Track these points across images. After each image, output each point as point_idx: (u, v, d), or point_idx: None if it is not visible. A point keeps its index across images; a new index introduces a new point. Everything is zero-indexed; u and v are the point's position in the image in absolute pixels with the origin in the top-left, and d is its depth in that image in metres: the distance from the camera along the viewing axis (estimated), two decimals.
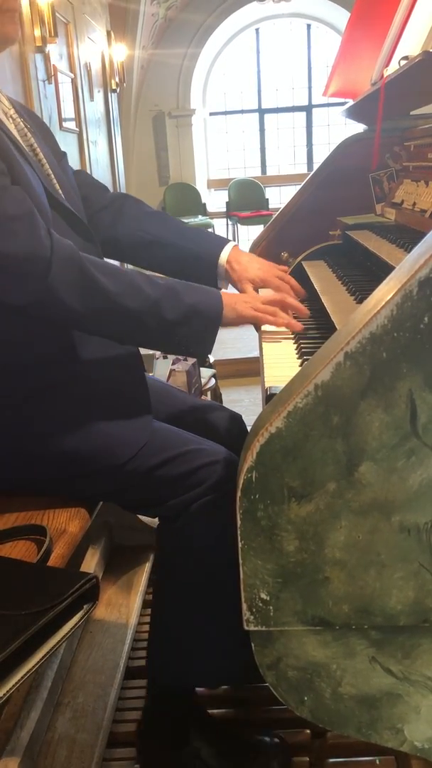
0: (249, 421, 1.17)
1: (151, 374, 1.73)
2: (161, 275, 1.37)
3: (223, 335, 1.39)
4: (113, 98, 6.00)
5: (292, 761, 1.34)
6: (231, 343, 4.39)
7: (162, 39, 7.33)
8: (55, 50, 4.08)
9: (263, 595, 0.76)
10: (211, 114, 8.59)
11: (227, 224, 7.88)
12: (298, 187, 2.07)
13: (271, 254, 1.97)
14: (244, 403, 3.61)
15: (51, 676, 1.48)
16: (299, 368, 1.18)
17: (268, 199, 7.87)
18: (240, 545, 0.75)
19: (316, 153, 8.53)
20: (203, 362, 2.73)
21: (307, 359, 1.21)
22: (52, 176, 1.28)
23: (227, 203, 7.87)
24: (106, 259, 1.28)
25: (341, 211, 2.03)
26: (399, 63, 1.64)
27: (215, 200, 8.27)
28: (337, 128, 8.26)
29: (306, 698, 0.81)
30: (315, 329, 1.39)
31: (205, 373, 2.72)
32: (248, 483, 0.73)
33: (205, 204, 7.89)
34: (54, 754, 1.37)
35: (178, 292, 1.18)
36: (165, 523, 1.26)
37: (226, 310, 1.23)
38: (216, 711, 1.46)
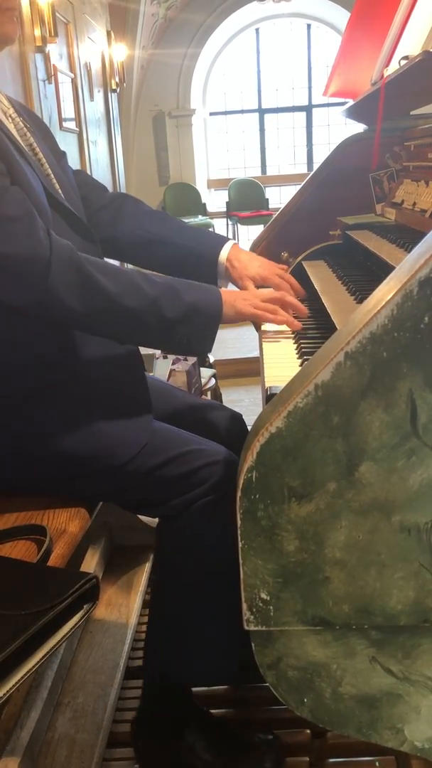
0: (249, 421, 1.17)
1: (151, 374, 1.73)
2: (161, 274, 1.37)
3: (223, 335, 1.40)
4: (113, 98, 6.00)
5: (286, 761, 1.34)
6: (231, 343, 4.39)
7: (162, 39, 7.33)
8: (55, 50, 4.08)
9: (263, 595, 0.76)
10: (211, 114, 8.59)
11: (227, 224, 7.88)
12: (298, 187, 2.07)
13: (271, 254, 1.97)
14: (244, 403, 3.61)
15: (51, 676, 1.48)
16: (299, 368, 1.18)
17: (268, 199, 7.87)
18: (240, 545, 0.75)
19: (316, 153, 8.53)
20: (203, 362, 2.73)
21: (307, 359, 1.21)
22: (52, 176, 1.28)
23: (227, 203, 7.87)
24: (106, 259, 1.28)
25: (341, 211, 2.03)
26: (399, 63, 1.64)
27: (215, 200, 8.27)
28: (337, 128, 8.26)
29: (306, 698, 0.81)
30: (315, 329, 1.39)
31: (205, 372, 2.72)
32: (248, 483, 0.73)
33: (205, 204, 7.90)
34: (54, 754, 1.37)
35: (177, 290, 1.18)
36: (165, 523, 1.26)
37: (226, 308, 1.23)
38: (216, 711, 1.46)
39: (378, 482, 0.72)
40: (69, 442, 1.20)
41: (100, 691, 1.53)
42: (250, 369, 4.00)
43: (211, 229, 7.34)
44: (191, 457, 1.21)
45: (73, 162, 4.56)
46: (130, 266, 1.68)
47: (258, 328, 1.46)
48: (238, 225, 7.70)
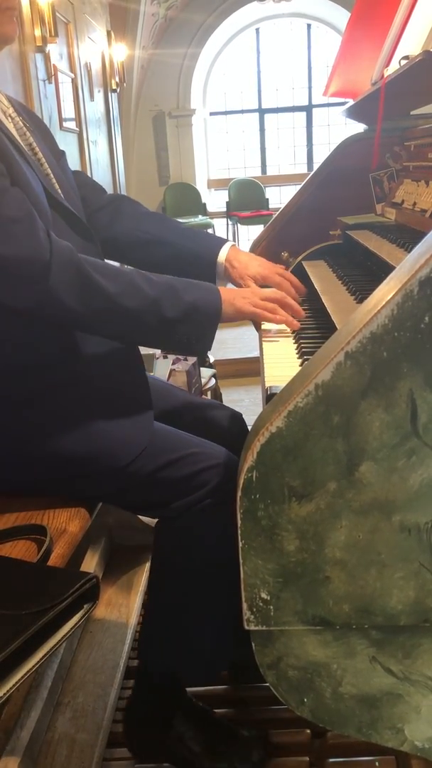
0: (249, 420, 1.17)
1: (151, 374, 1.73)
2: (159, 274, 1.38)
3: (224, 335, 1.40)
4: (113, 98, 6.00)
5: (286, 761, 1.36)
6: (231, 343, 4.39)
7: (162, 39, 7.33)
8: (56, 50, 4.08)
9: (264, 595, 0.76)
10: (211, 114, 8.59)
11: (227, 224, 7.88)
12: (298, 187, 2.07)
13: (271, 254, 1.97)
14: (244, 403, 3.61)
15: (51, 676, 1.48)
16: (299, 368, 1.18)
17: (268, 199, 7.87)
18: (240, 545, 0.75)
19: (316, 153, 8.52)
20: (203, 362, 2.73)
21: (307, 359, 1.21)
22: (51, 176, 1.28)
23: (227, 203, 7.86)
24: (105, 260, 1.28)
25: (341, 210, 2.03)
26: (399, 63, 1.64)
27: (215, 200, 8.27)
28: (337, 128, 8.25)
29: (306, 698, 0.81)
30: (315, 329, 1.39)
31: (205, 372, 2.72)
32: (249, 482, 0.73)
33: (205, 204, 7.89)
34: (54, 754, 1.37)
35: (177, 289, 1.18)
36: (164, 523, 1.26)
37: (225, 306, 1.23)
38: (216, 711, 1.46)
39: (378, 482, 0.72)
40: (69, 443, 1.20)
41: (100, 691, 1.53)
42: (250, 369, 4.00)
43: (211, 229, 7.35)
44: (192, 460, 1.21)
45: (73, 162, 4.56)
46: (128, 267, 1.68)
47: (258, 327, 1.46)
48: (238, 225, 7.70)
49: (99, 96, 5.49)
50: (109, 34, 5.79)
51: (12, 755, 1.24)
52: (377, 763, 1.33)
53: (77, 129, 4.73)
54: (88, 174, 4.79)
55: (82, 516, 1.23)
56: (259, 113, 8.61)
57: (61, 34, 4.16)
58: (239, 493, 0.73)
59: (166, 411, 1.42)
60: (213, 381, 2.73)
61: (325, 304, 1.41)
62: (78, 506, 1.25)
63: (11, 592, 0.96)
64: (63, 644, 0.96)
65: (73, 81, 4.61)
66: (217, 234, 7.53)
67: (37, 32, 3.71)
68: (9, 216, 1.07)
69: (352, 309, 1.31)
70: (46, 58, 3.92)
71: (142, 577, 1.94)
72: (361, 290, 1.41)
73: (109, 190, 1.55)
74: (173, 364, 2.44)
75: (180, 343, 1.21)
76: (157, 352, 2.52)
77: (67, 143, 4.38)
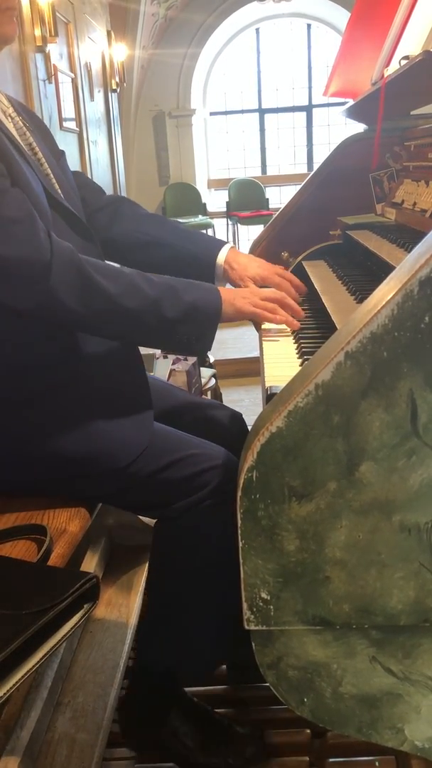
0: (249, 420, 1.17)
1: (151, 374, 1.73)
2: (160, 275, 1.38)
3: (223, 335, 1.40)
4: (113, 98, 6.00)
5: (285, 761, 1.36)
6: (231, 343, 4.39)
7: (162, 39, 7.33)
8: (56, 50, 4.08)
9: (264, 595, 0.76)
10: (212, 114, 8.59)
11: (227, 224, 7.87)
12: (298, 187, 2.07)
13: (271, 254, 1.97)
14: (244, 403, 3.61)
15: (51, 676, 1.48)
16: (299, 368, 1.18)
17: (268, 199, 7.87)
18: (240, 545, 0.75)
19: (316, 153, 8.52)
20: (203, 362, 2.73)
21: (307, 359, 1.21)
22: (51, 176, 1.28)
23: (227, 203, 7.86)
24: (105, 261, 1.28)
25: (341, 210, 2.03)
26: (399, 63, 1.64)
27: (215, 200, 8.26)
28: (337, 128, 8.25)
29: (306, 698, 0.81)
30: (315, 329, 1.39)
31: (205, 372, 2.72)
32: (249, 482, 0.73)
33: (205, 204, 7.89)
34: (54, 754, 1.37)
35: (177, 290, 1.18)
36: (164, 522, 1.26)
37: (225, 306, 1.23)
38: (216, 711, 1.46)
39: (378, 482, 0.72)
40: (70, 443, 1.20)
41: (100, 691, 1.53)
42: (250, 369, 4.00)
43: (211, 229, 7.35)
44: (193, 461, 1.22)
45: (73, 162, 4.56)
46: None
47: (258, 327, 1.46)
48: (238, 225, 7.70)
49: (99, 96, 5.49)
50: (109, 34, 5.79)
51: (12, 755, 1.24)
52: (377, 763, 1.33)
53: (77, 129, 4.73)
54: (88, 174, 4.79)
55: (82, 516, 1.24)
56: (259, 113, 8.61)
57: (61, 34, 4.16)
58: (239, 493, 0.73)
59: (166, 411, 1.42)
60: (213, 381, 2.73)
61: (325, 304, 1.41)
62: (78, 506, 1.25)
63: (11, 592, 0.96)
64: (63, 644, 0.96)
65: (73, 81, 4.61)
66: (218, 234, 7.56)
67: (37, 32, 3.71)
68: (9, 217, 1.07)
69: (352, 309, 1.31)
70: (46, 58, 3.92)
71: (142, 577, 1.94)
72: (361, 290, 1.41)
73: (109, 190, 1.55)
74: (173, 364, 2.44)
75: (180, 343, 1.21)
76: (157, 352, 2.52)
77: (67, 143, 4.38)
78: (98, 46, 5.48)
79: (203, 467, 1.21)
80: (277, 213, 2.08)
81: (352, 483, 0.72)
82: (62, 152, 1.41)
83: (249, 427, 0.97)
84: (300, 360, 1.25)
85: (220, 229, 7.80)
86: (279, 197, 7.96)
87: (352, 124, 2.20)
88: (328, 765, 1.34)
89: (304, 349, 1.27)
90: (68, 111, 4.44)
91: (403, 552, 0.74)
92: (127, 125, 7.17)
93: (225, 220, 7.88)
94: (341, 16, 7.13)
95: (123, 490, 1.24)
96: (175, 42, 7.40)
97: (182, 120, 7.89)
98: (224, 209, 7.88)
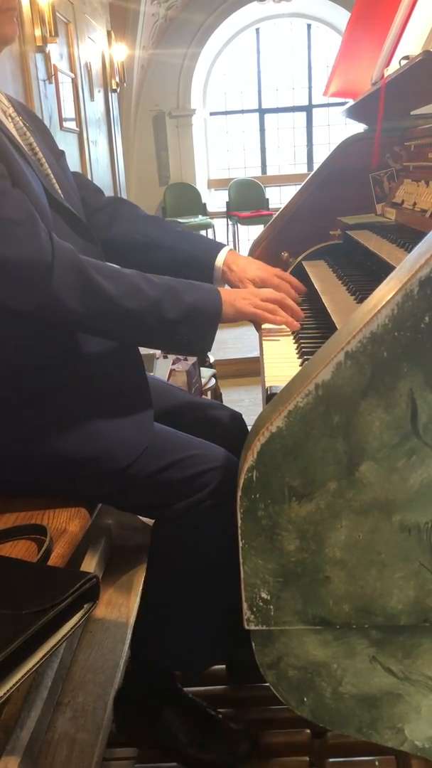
0: (249, 420, 1.17)
1: (151, 374, 1.73)
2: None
3: (224, 335, 1.40)
4: (113, 98, 6.00)
5: (285, 760, 1.36)
6: (231, 343, 4.39)
7: (162, 39, 7.33)
8: (56, 50, 4.08)
9: (264, 595, 0.76)
10: (212, 114, 8.59)
11: (227, 224, 7.87)
12: (298, 187, 2.07)
13: (271, 254, 1.98)
14: (244, 403, 3.61)
15: (51, 676, 1.48)
16: (300, 368, 1.18)
17: (268, 199, 7.87)
18: (241, 545, 0.75)
19: (316, 153, 8.52)
20: (203, 362, 2.73)
21: (307, 359, 1.21)
22: (51, 176, 1.28)
23: (227, 203, 7.86)
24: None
25: (341, 211, 2.03)
26: (399, 63, 1.64)
27: (215, 200, 8.26)
28: (337, 128, 8.25)
29: (306, 698, 0.81)
30: (315, 329, 1.39)
31: (206, 372, 2.72)
32: (249, 482, 0.73)
33: (205, 204, 7.89)
34: (54, 754, 1.37)
35: (177, 290, 1.18)
36: (164, 522, 1.26)
37: (225, 307, 1.23)
38: (216, 711, 1.46)
39: (378, 482, 0.72)
40: (70, 444, 1.20)
41: (100, 691, 1.53)
42: (250, 369, 4.00)
43: (211, 229, 7.35)
44: (193, 462, 1.22)
45: (73, 162, 4.56)
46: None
47: (258, 327, 1.46)
48: (238, 225, 7.70)
49: (99, 96, 5.49)
50: (109, 34, 5.79)
51: (12, 755, 1.23)
52: (377, 763, 1.33)
53: (77, 129, 4.73)
54: (88, 174, 4.79)
55: (82, 516, 1.23)
56: (259, 113, 8.61)
57: (61, 34, 4.16)
58: (239, 493, 0.73)
59: (166, 411, 1.42)
60: (213, 381, 2.74)
61: (325, 304, 1.41)
62: (78, 506, 1.25)
63: (11, 592, 0.96)
64: (63, 644, 0.96)
65: (73, 81, 4.61)
66: (218, 234, 7.55)
67: (38, 32, 3.71)
68: (11, 218, 1.07)
69: (352, 309, 1.31)
70: (47, 58, 3.92)
71: (142, 577, 1.93)
72: (361, 290, 1.41)
73: (109, 190, 1.55)
74: (173, 364, 2.44)
75: (180, 344, 1.22)
76: (157, 352, 2.52)
77: (67, 143, 4.38)
78: (98, 46, 5.48)
79: (203, 468, 1.21)
80: (277, 213, 2.08)
81: (352, 483, 0.72)
82: (62, 152, 1.41)
83: (249, 427, 0.97)
84: (300, 360, 1.25)
85: (220, 229, 7.80)
86: (279, 197, 7.96)
87: (352, 124, 2.20)
88: (328, 765, 1.34)
89: (304, 349, 1.27)
90: (68, 111, 4.44)
91: (403, 552, 0.74)
92: (127, 125, 7.17)
93: (225, 220, 7.88)
94: (341, 16, 7.13)
95: (123, 491, 1.24)
96: (175, 42, 7.40)
97: (182, 120, 7.89)
98: (224, 209, 7.88)
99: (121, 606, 1.83)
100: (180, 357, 2.45)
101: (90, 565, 1.85)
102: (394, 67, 1.70)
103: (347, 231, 1.90)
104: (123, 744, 1.43)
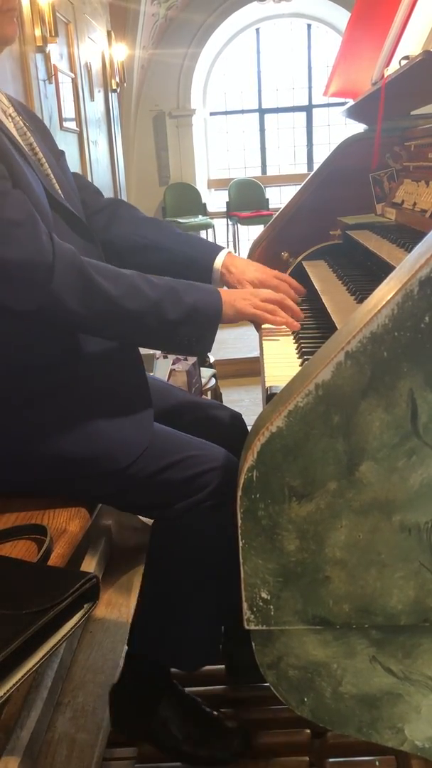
0: (249, 420, 1.17)
1: (151, 374, 1.73)
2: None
3: (223, 335, 1.40)
4: (113, 98, 6.00)
5: (284, 760, 1.35)
6: (231, 343, 4.39)
7: (162, 39, 7.33)
8: (56, 50, 4.08)
9: (264, 595, 0.76)
10: (212, 114, 8.59)
11: (227, 224, 7.87)
12: (299, 187, 2.07)
13: (271, 254, 1.98)
14: (244, 403, 3.61)
15: (51, 676, 1.48)
16: (300, 368, 1.18)
17: (268, 199, 7.86)
18: (241, 544, 0.75)
19: (316, 153, 8.52)
20: (203, 362, 2.73)
21: (307, 359, 1.21)
22: (52, 176, 1.28)
23: (227, 203, 7.85)
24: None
25: (341, 211, 2.03)
26: (399, 63, 1.64)
27: (215, 200, 8.26)
28: (337, 128, 8.25)
29: (306, 698, 0.81)
30: (315, 329, 1.39)
31: (206, 372, 2.72)
32: (249, 482, 0.73)
33: (205, 204, 7.89)
34: (54, 753, 1.37)
35: (177, 291, 1.19)
36: (163, 522, 1.26)
37: (226, 308, 1.23)
38: (216, 711, 1.46)
39: (378, 482, 0.72)
40: (70, 444, 1.20)
41: (100, 691, 1.53)
42: (250, 369, 4.00)
43: (211, 230, 7.35)
44: (193, 462, 1.22)
45: (73, 162, 4.56)
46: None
47: (258, 327, 1.46)
48: (238, 225, 7.69)
49: (99, 96, 5.49)
50: (109, 34, 5.79)
51: (12, 755, 1.24)
52: (377, 763, 1.33)
53: (77, 129, 4.72)
54: (88, 174, 4.79)
55: (82, 516, 1.24)
56: (259, 113, 8.61)
57: (61, 34, 4.16)
58: (239, 493, 0.73)
59: (166, 411, 1.42)
60: (213, 381, 2.74)
61: (325, 304, 1.41)
62: (78, 506, 1.25)
63: (11, 592, 0.96)
64: (63, 644, 0.96)
65: (73, 81, 4.61)
66: (218, 234, 7.54)
67: (38, 32, 3.71)
68: (11, 219, 1.07)
69: (352, 309, 1.31)
70: (47, 58, 3.92)
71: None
72: (361, 290, 1.41)
73: (109, 191, 1.56)
74: (173, 364, 2.44)
75: (181, 345, 1.22)
76: (157, 352, 2.52)
77: (67, 143, 4.38)
78: (98, 46, 5.48)
79: (203, 468, 1.21)
80: (277, 213, 2.08)
81: (352, 483, 0.72)
82: (62, 152, 1.41)
83: (249, 427, 0.97)
84: (300, 360, 1.25)
85: (220, 229, 7.79)
86: (279, 197, 7.96)
87: (352, 124, 2.20)
88: (328, 765, 1.34)
89: (304, 349, 1.27)
90: (68, 111, 4.44)
91: (403, 552, 0.74)
92: (127, 125, 7.16)
93: (225, 220, 7.87)
94: (341, 16, 7.13)
95: (123, 491, 1.24)
96: (175, 42, 7.40)
97: (182, 120, 7.89)
98: (224, 209, 7.87)
99: (120, 606, 1.83)
100: (180, 357, 2.45)
101: (90, 565, 1.86)
102: (394, 67, 1.70)
103: (347, 231, 1.90)
104: (123, 744, 1.43)
